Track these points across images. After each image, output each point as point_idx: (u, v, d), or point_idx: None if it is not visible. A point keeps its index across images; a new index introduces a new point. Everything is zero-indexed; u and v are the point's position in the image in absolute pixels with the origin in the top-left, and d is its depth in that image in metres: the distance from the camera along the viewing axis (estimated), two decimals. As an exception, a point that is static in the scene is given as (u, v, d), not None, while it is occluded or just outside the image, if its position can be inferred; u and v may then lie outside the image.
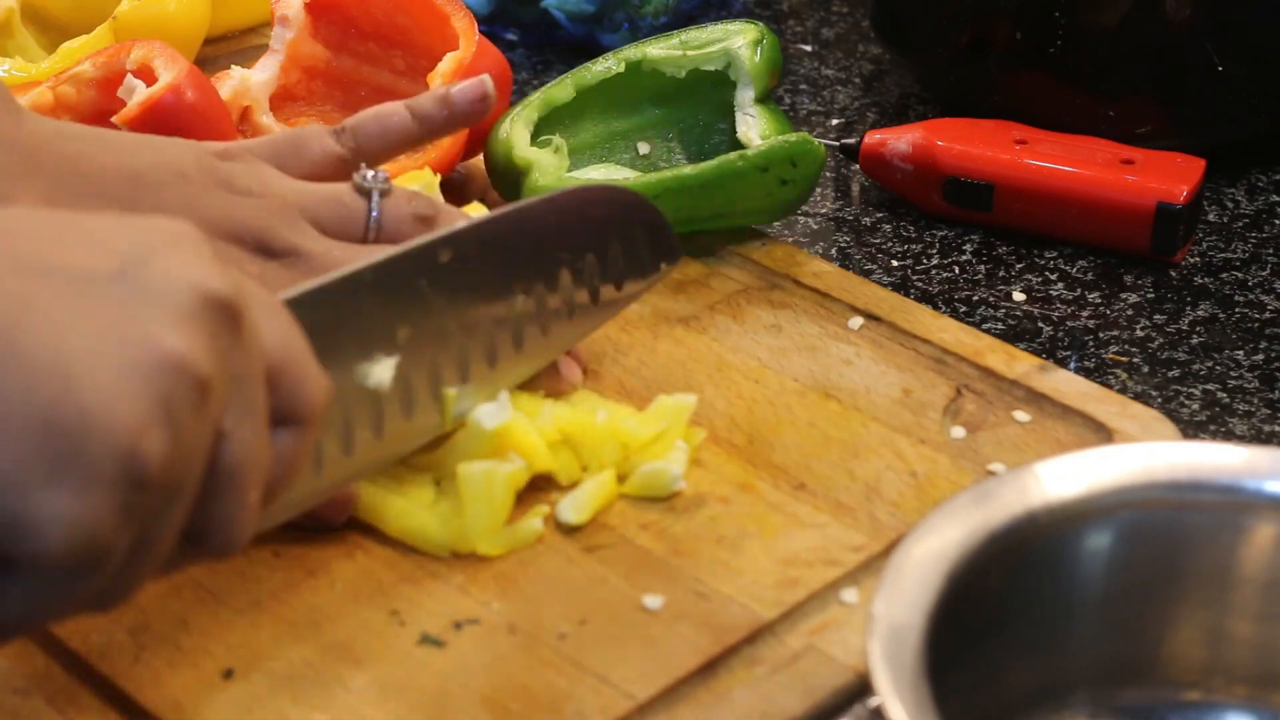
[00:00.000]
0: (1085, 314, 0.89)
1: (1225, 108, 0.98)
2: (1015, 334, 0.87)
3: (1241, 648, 0.64)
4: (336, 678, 0.65)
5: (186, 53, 0.97)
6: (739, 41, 0.91)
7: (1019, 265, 0.93)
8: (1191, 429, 0.80)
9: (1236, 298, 0.90)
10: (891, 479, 0.75)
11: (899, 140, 0.96)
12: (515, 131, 0.89)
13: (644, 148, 0.94)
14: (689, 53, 0.92)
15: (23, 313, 0.50)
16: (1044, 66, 0.98)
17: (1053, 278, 0.92)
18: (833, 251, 0.94)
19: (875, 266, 0.92)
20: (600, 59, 0.93)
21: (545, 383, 0.76)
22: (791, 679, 0.65)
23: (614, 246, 0.76)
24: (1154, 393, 0.83)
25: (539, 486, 0.73)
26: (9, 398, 0.49)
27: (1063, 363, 0.85)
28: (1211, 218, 0.97)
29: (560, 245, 0.74)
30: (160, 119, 0.84)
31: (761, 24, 0.92)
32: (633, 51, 0.93)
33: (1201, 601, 0.64)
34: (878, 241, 0.95)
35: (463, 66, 0.90)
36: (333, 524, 0.71)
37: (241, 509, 0.55)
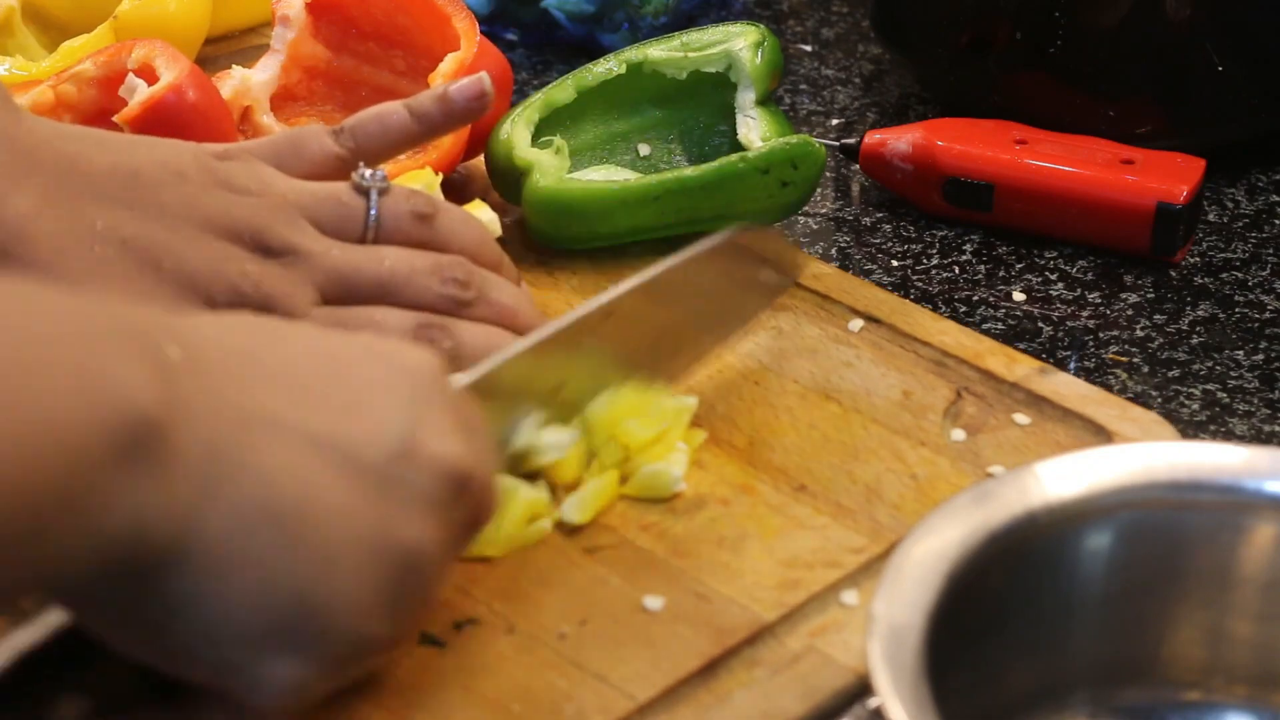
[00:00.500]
0: (1085, 314, 0.89)
1: (1225, 108, 0.98)
2: (1015, 334, 0.87)
3: (1241, 648, 0.64)
4: (337, 678, 0.65)
5: (187, 52, 0.97)
6: (740, 43, 0.91)
7: (1019, 265, 0.93)
8: (1191, 429, 0.80)
9: (1236, 298, 0.90)
10: (892, 481, 0.75)
11: (899, 140, 0.96)
12: (516, 132, 0.89)
13: (645, 149, 0.94)
14: (690, 54, 0.92)
15: (309, 497, 0.54)
16: (1044, 66, 0.98)
17: (1053, 278, 0.92)
18: (833, 252, 0.94)
19: (875, 266, 0.92)
20: (601, 60, 0.93)
21: None
22: (792, 680, 0.65)
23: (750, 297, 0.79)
24: (1154, 393, 0.83)
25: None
26: (276, 567, 0.53)
27: (1063, 363, 0.85)
28: (1211, 218, 0.97)
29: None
30: (161, 118, 0.84)
31: (762, 26, 0.92)
32: (633, 53, 0.93)
33: (1201, 601, 0.64)
34: (878, 242, 0.95)
35: (463, 67, 0.90)
36: None
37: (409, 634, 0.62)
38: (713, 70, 0.92)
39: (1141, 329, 0.88)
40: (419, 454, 0.57)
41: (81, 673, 0.56)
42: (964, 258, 0.93)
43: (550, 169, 0.87)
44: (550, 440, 0.72)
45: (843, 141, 0.98)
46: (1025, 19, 0.97)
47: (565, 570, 0.70)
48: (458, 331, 0.74)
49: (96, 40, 0.98)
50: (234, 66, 0.94)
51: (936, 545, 0.60)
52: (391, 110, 0.80)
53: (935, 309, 0.88)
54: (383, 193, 0.75)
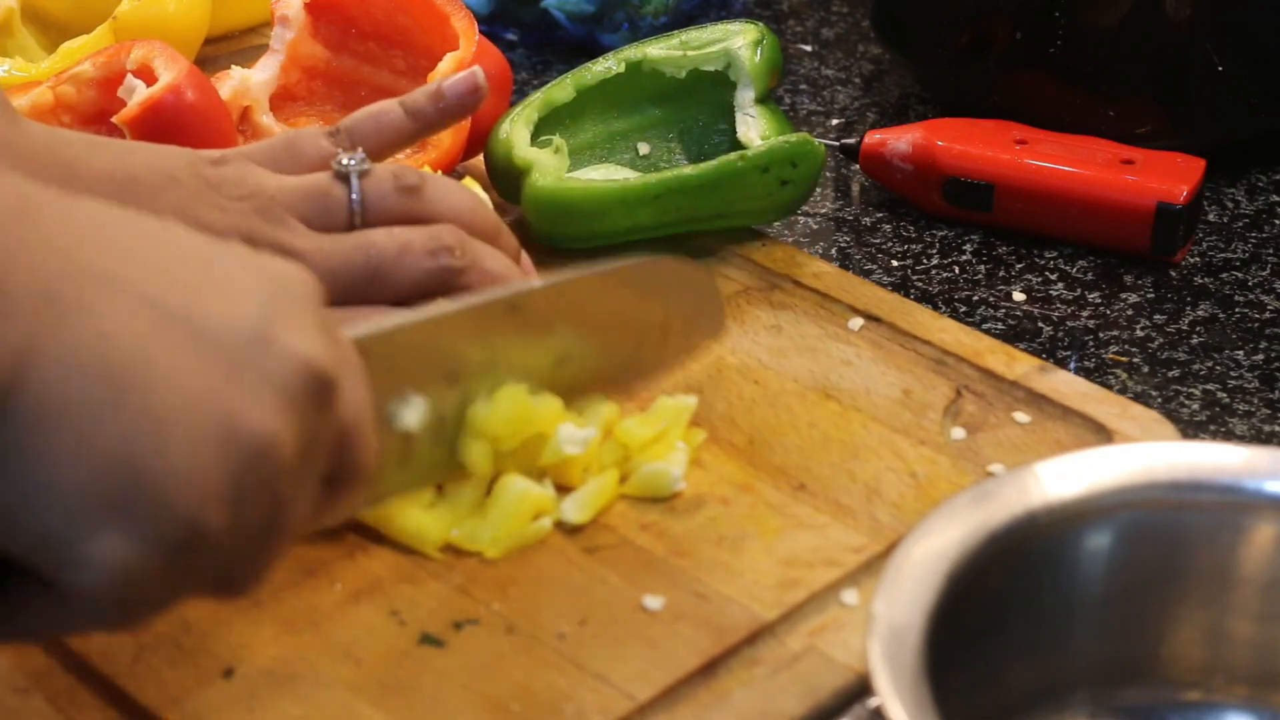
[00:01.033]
0: (1085, 314, 0.89)
1: (1225, 108, 0.98)
2: (1015, 334, 0.87)
3: (1241, 648, 0.64)
4: (336, 678, 0.65)
5: (186, 53, 0.97)
6: (739, 42, 0.91)
7: (1019, 265, 0.93)
8: (1191, 429, 0.80)
9: (1236, 298, 0.90)
10: (892, 480, 0.75)
11: (899, 140, 0.96)
12: (515, 132, 0.89)
13: (644, 148, 0.94)
14: (689, 53, 0.92)
15: (147, 359, 0.52)
16: (1044, 66, 0.98)
17: (1053, 278, 0.92)
18: (833, 252, 0.94)
19: (875, 266, 0.92)
20: (600, 59, 0.93)
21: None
22: (791, 679, 0.65)
23: (672, 324, 0.74)
24: (1154, 393, 0.83)
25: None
26: (107, 437, 0.51)
27: (1063, 363, 0.85)
28: (1211, 218, 0.97)
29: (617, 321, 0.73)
30: (160, 119, 0.84)
31: (761, 24, 0.92)
32: (633, 52, 0.93)
33: (1201, 601, 0.64)
34: (878, 241, 0.95)
35: (462, 66, 0.90)
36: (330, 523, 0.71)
37: (269, 563, 0.57)
38: (712, 69, 0.92)
39: (1141, 329, 0.88)
40: (276, 342, 0.54)
41: None
42: (964, 258, 0.93)
43: (549, 168, 0.87)
44: (568, 435, 0.72)
45: (843, 141, 0.98)
46: (1025, 19, 0.97)
47: (565, 570, 0.70)
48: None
49: (96, 41, 0.98)
50: (233, 67, 0.94)
51: (936, 545, 0.59)
52: (386, 108, 0.80)
53: (935, 309, 0.88)
54: (364, 175, 0.75)
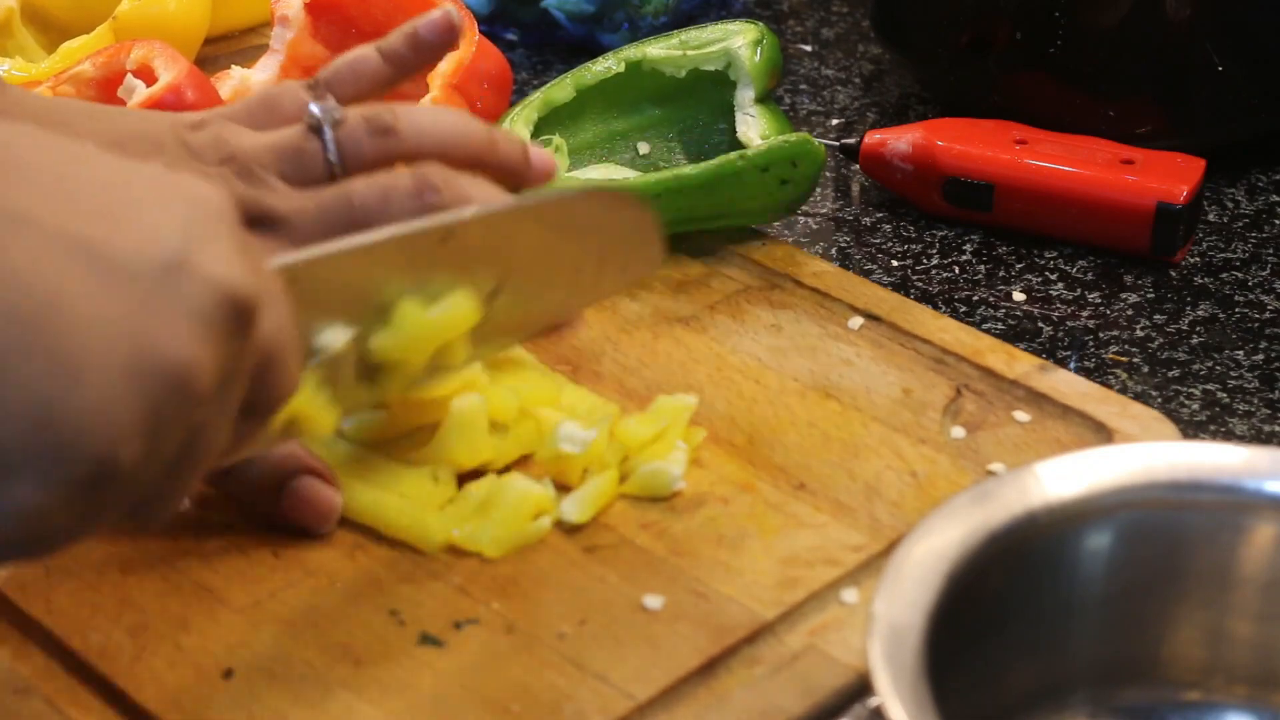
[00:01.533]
0: (1085, 314, 0.89)
1: (1225, 108, 0.98)
2: (1015, 334, 0.87)
3: (1241, 648, 0.64)
4: (336, 678, 0.65)
5: (186, 53, 0.97)
6: (739, 41, 0.91)
7: (1019, 265, 0.93)
8: (1191, 429, 0.80)
9: (1236, 298, 0.90)
10: (891, 479, 0.75)
11: (899, 140, 0.96)
12: (515, 131, 0.89)
13: (644, 147, 0.94)
14: (689, 52, 0.92)
15: (56, 298, 0.50)
16: (1044, 66, 0.98)
17: (1053, 278, 0.92)
18: (833, 251, 0.94)
19: (875, 266, 0.92)
20: (600, 59, 0.93)
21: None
22: (791, 679, 0.65)
23: (609, 257, 0.74)
24: (1154, 393, 0.83)
25: (539, 486, 0.73)
26: (16, 383, 0.50)
27: (1063, 363, 0.85)
28: (1211, 218, 0.97)
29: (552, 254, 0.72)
30: (160, 119, 0.84)
31: (761, 24, 0.92)
32: (633, 51, 0.93)
33: (1201, 601, 0.64)
34: (878, 241, 0.95)
35: (463, 66, 0.90)
36: (319, 531, 0.71)
37: (183, 494, 0.56)
38: (712, 68, 0.92)
39: (1141, 329, 0.88)
40: (193, 270, 0.52)
41: None
42: (964, 258, 0.93)
43: (550, 168, 0.87)
44: (568, 435, 0.72)
45: (843, 141, 0.98)
46: (1025, 19, 0.97)
47: (565, 569, 0.70)
48: None
49: (96, 41, 0.98)
50: (233, 66, 0.94)
51: (936, 545, 0.59)
52: (363, 55, 0.77)
53: (935, 309, 0.88)
54: (337, 124, 0.72)
